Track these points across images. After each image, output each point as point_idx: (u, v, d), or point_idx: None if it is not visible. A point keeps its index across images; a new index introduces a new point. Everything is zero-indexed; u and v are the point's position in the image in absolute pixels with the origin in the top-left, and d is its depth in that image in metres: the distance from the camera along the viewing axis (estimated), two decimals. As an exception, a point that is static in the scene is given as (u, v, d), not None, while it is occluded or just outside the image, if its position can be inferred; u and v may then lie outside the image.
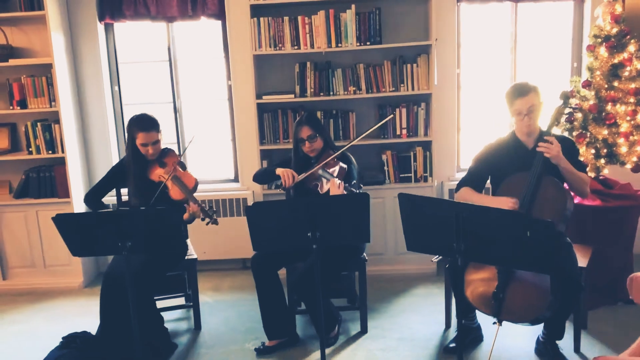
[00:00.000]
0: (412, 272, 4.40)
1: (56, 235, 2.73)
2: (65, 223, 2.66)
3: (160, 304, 3.59)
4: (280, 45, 4.18)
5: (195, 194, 3.37)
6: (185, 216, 3.30)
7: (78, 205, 4.37)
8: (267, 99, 4.27)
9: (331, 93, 4.29)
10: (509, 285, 2.77)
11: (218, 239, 4.49)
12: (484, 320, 3.27)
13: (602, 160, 3.77)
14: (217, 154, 4.85)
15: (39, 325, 3.87)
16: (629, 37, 3.69)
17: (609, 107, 3.72)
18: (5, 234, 4.48)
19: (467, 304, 2.97)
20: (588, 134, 3.79)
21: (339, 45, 4.16)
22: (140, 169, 3.40)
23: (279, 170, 3.37)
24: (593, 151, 3.77)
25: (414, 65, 4.23)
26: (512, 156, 3.04)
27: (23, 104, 4.31)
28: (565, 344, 3.14)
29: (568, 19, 4.49)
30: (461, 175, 3.24)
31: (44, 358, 3.23)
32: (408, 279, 4.31)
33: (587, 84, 3.81)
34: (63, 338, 3.35)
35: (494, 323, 2.76)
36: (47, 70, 4.26)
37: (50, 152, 4.35)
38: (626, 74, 3.68)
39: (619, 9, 3.72)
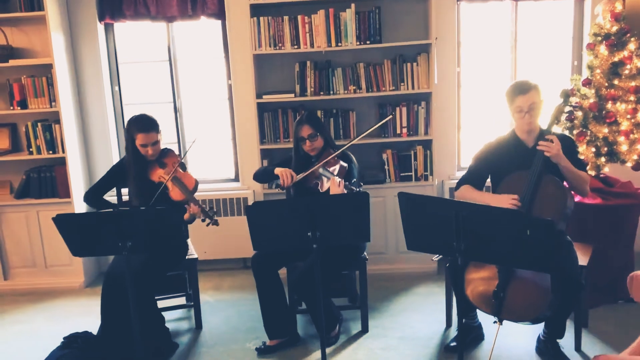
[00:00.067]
0: (412, 271, 4.40)
1: (57, 236, 2.73)
2: (65, 223, 2.67)
3: (161, 304, 3.60)
4: (280, 44, 4.18)
5: (195, 194, 3.38)
6: (186, 216, 3.30)
7: (79, 205, 4.37)
8: (267, 98, 4.27)
9: (331, 92, 4.29)
10: (509, 284, 2.77)
11: (218, 238, 4.49)
12: (485, 319, 3.27)
13: (603, 159, 3.77)
14: (217, 154, 4.85)
15: (40, 325, 3.87)
16: (629, 35, 3.69)
17: (609, 105, 3.72)
18: (6, 234, 4.48)
19: (467, 303, 2.97)
20: (588, 132, 3.79)
21: (339, 44, 4.16)
22: (141, 170, 3.40)
23: (277, 170, 3.37)
24: (593, 149, 3.76)
25: (414, 64, 4.22)
26: (512, 155, 3.04)
27: (23, 104, 4.31)
28: (566, 343, 3.14)
29: (568, 17, 4.48)
30: (461, 173, 3.24)
31: (45, 358, 3.24)
32: (409, 278, 4.31)
33: (587, 82, 3.81)
34: (64, 338, 3.35)
35: (495, 322, 2.76)
36: (47, 70, 4.26)
37: (50, 152, 4.36)
38: (626, 72, 3.68)
39: (619, 7, 3.71)
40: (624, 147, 3.69)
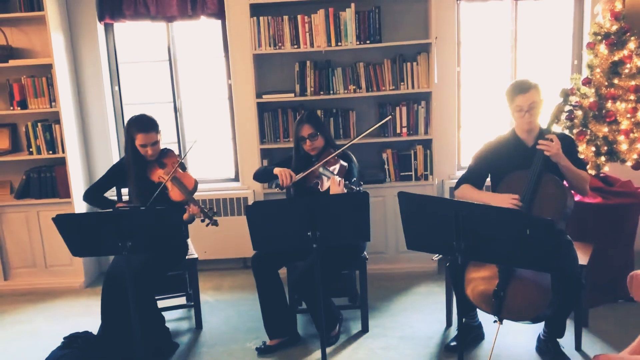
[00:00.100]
0: (413, 270, 4.40)
1: (57, 236, 2.73)
2: (65, 223, 2.67)
3: (161, 304, 3.60)
4: (280, 44, 4.18)
5: (195, 194, 3.38)
6: (185, 217, 3.30)
7: (79, 205, 4.37)
8: (267, 98, 4.27)
9: (331, 92, 4.29)
10: (509, 283, 2.77)
11: (219, 238, 4.49)
12: (485, 318, 3.27)
13: (603, 158, 3.77)
14: (217, 154, 4.85)
15: (41, 326, 3.87)
16: (629, 34, 3.69)
17: (609, 104, 3.72)
18: (7, 234, 4.48)
19: (467, 303, 2.97)
20: (588, 132, 3.78)
21: (339, 44, 4.16)
22: (141, 170, 3.40)
23: (276, 170, 3.37)
24: (593, 149, 3.76)
25: (414, 63, 4.22)
26: (512, 154, 3.04)
27: (23, 105, 4.31)
28: (566, 342, 3.14)
29: (568, 16, 4.48)
30: (462, 173, 3.24)
31: (45, 358, 3.24)
32: (409, 278, 4.31)
33: (587, 82, 3.80)
34: (64, 338, 3.35)
35: (495, 321, 2.76)
36: (47, 70, 4.26)
37: (50, 152, 4.36)
38: (626, 71, 3.67)
39: (619, 6, 3.71)
40: (624, 146, 3.69)
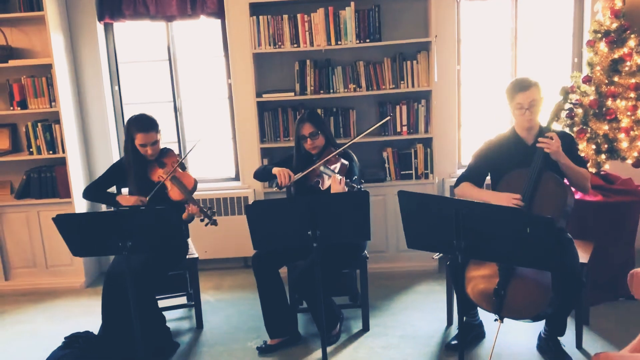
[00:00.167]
0: (413, 269, 4.40)
1: (58, 236, 2.73)
2: (65, 223, 2.67)
3: (161, 304, 3.60)
4: (279, 43, 4.18)
5: (195, 193, 3.38)
6: (184, 216, 3.31)
7: (79, 205, 4.37)
8: (267, 97, 4.26)
9: (331, 91, 4.29)
10: (510, 282, 2.76)
11: (219, 237, 4.49)
12: (486, 317, 3.27)
13: (603, 156, 3.76)
14: (217, 153, 4.85)
15: (41, 326, 3.87)
16: (629, 32, 3.68)
17: (609, 102, 3.71)
18: (7, 234, 4.49)
19: (468, 301, 2.97)
20: (589, 130, 3.78)
21: (339, 42, 4.16)
22: (141, 170, 3.40)
23: (275, 170, 3.37)
24: (594, 147, 3.76)
25: (414, 62, 4.22)
26: (512, 152, 3.04)
27: (23, 105, 4.31)
28: (567, 340, 3.14)
29: (568, 14, 4.47)
30: (462, 171, 3.24)
31: (46, 358, 3.24)
32: (409, 276, 4.30)
33: (587, 80, 3.80)
34: (65, 338, 3.36)
35: (496, 320, 2.76)
36: (47, 70, 4.26)
37: (50, 152, 4.36)
38: (626, 69, 3.67)
39: (618, 3, 3.71)
40: (624, 144, 3.68)
